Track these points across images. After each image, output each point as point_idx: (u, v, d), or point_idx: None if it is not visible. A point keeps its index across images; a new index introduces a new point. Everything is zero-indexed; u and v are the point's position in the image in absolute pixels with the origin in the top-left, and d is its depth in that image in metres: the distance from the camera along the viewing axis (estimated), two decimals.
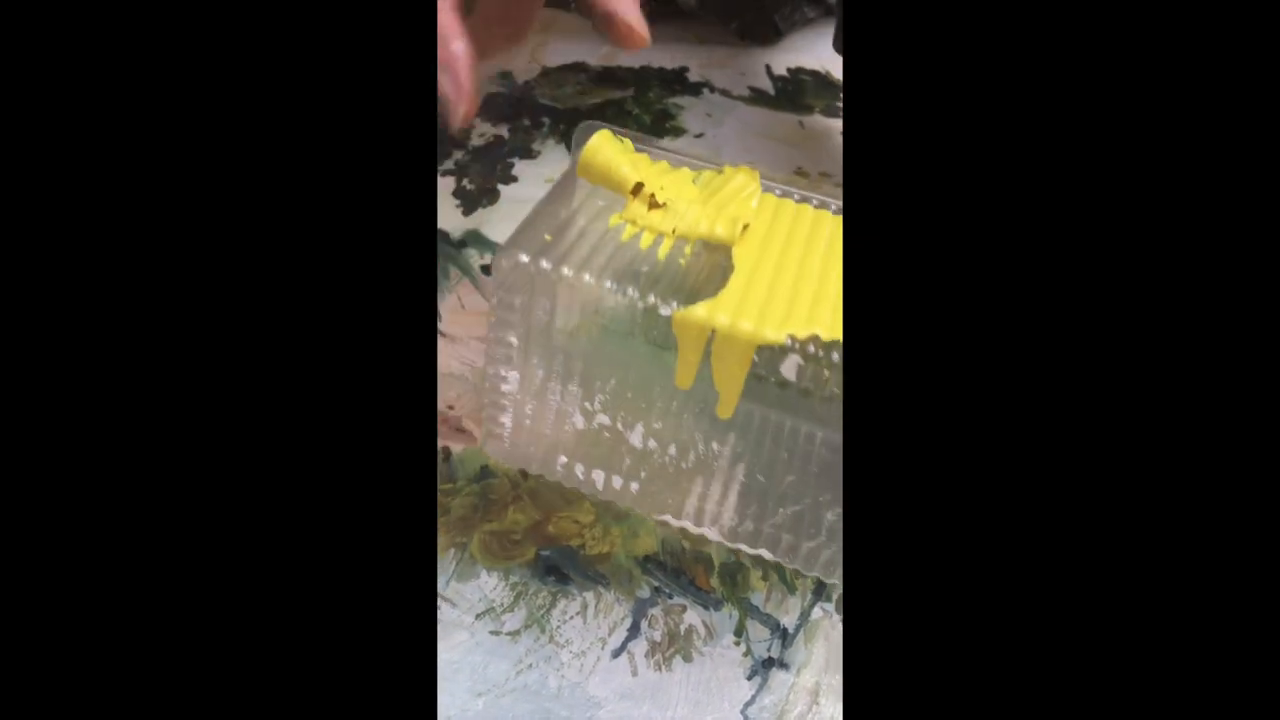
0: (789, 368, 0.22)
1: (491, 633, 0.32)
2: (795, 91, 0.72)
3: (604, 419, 0.26)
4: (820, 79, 0.74)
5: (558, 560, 0.35)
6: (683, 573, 0.35)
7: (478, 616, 0.33)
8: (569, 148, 0.63)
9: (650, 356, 0.24)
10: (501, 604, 0.33)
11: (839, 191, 0.29)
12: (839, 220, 0.27)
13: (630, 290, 0.23)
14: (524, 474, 0.36)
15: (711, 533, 0.28)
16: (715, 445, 0.26)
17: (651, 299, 0.22)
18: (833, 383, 0.22)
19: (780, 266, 0.24)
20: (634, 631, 0.33)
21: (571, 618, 0.33)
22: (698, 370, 0.23)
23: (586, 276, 0.23)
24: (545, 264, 0.23)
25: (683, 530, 0.36)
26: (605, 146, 0.26)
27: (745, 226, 0.25)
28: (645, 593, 0.34)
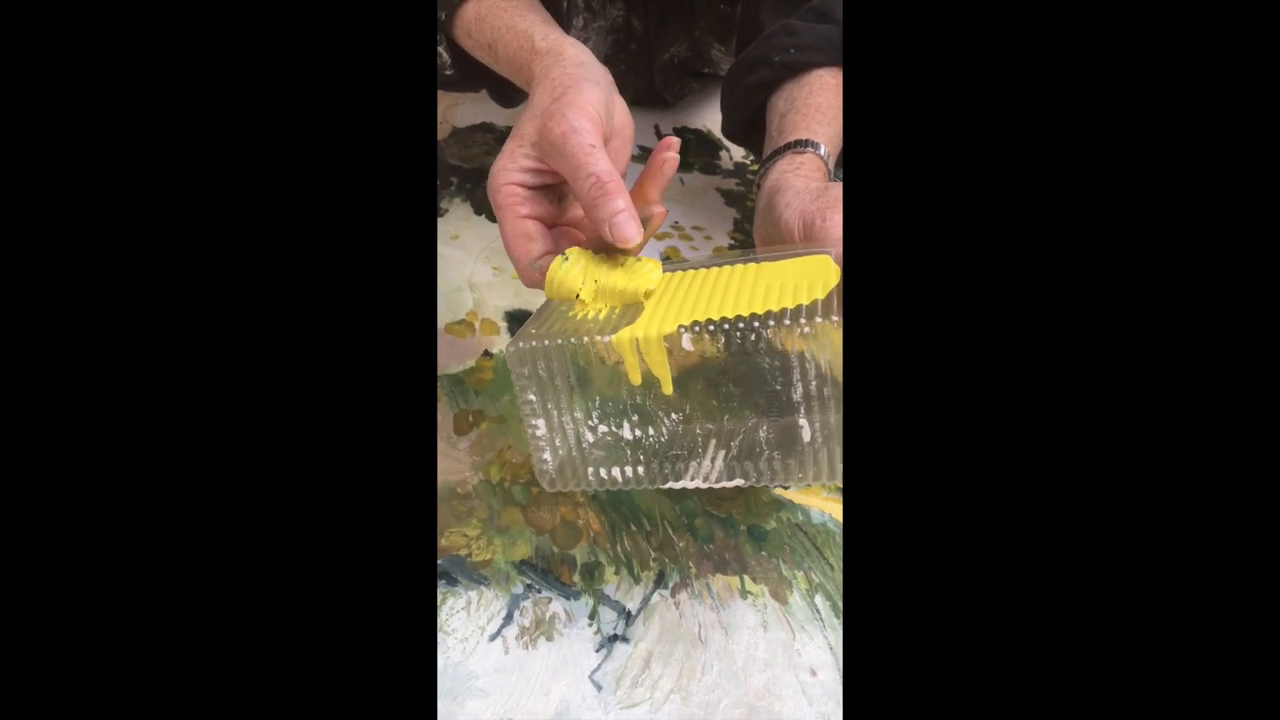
0: (686, 342, 0.35)
1: None
2: (680, 150, 0.81)
3: (603, 428, 0.37)
4: (702, 138, 0.84)
5: (448, 567, 0.43)
6: (550, 572, 0.43)
7: None
8: (474, 206, 0.71)
9: (609, 373, 0.36)
10: None
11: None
12: (735, 268, 0.40)
13: (585, 338, 0.35)
14: None
15: (703, 484, 0.38)
16: (675, 415, 0.37)
17: (598, 336, 0.35)
18: (717, 341, 0.34)
19: (675, 303, 0.37)
20: (508, 620, 0.41)
21: (457, 612, 0.41)
22: (640, 370, 0.36)
23: (559, 340, 0.36)
24: (535, 343, 0.36)
25: (553, 533, 0.44)
26: (554, 277, 0.39)
27: (648, 293, 0.38)
28: (519, 589, 0.42)
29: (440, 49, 0.58)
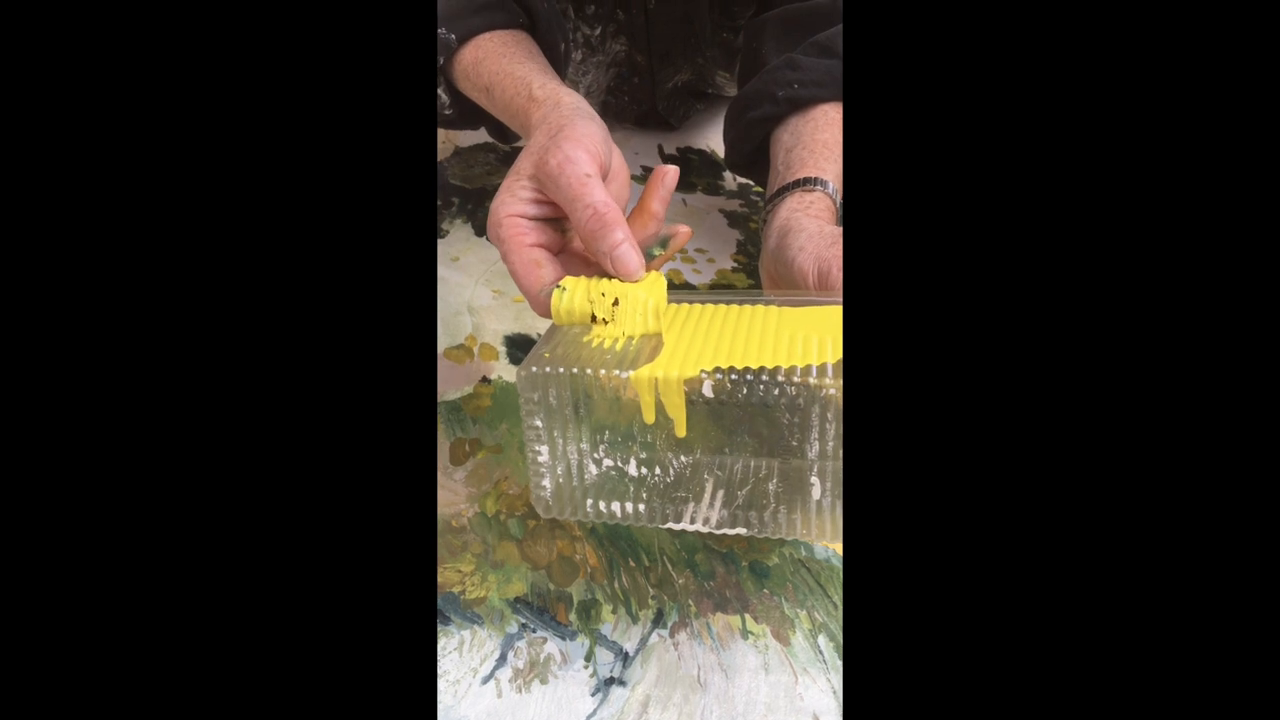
0: (707, 389, 0.34)
1: None
2: (683, 170, 0.81)
3: (608, 461, 0.36)
4: (706, 158, 0.83)
5: (441, 605, 0.42)
6: (546, 610, 0.42)
7: None
8: (475, 228, 0.70)
9: (624, 409, 0.35)
10: None
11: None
12: (755, 308, 0.39)
13: (601, 371, 0.34)
14: None
15: (702, 528, 0.37)
16: (684, 458, 0.36)
17: (616, 371, 0.34)
18: (739, 391, 0.33)
19: (695, 343, 0.36)
20: (501, 661, 0.39)
21: (449, 653, 0.40)
22: (655, 409, 0.35)
23: (574, 370, 0.35)
24: (548, 369, 0.35)
25: (549, 569, 0.43)
26: (558, 309, 0.38)
27: (659, 317, 0.38)
28: (514, 629, 0.41)
29: (439, 90, 0.58)
